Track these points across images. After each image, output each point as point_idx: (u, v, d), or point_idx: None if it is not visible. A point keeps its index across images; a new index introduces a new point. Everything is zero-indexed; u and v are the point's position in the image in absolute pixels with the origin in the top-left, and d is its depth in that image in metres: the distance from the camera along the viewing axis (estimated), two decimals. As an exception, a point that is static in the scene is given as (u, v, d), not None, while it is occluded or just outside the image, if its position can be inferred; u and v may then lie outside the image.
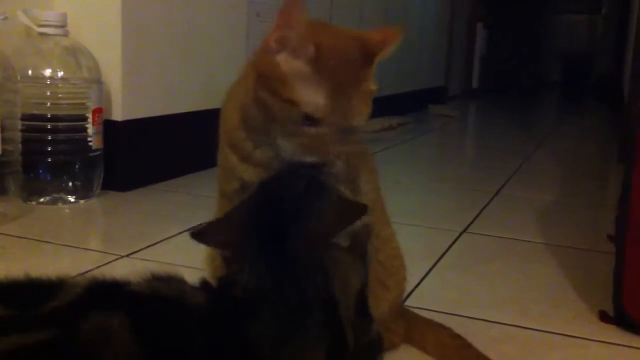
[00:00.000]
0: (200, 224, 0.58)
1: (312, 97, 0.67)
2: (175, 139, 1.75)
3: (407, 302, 0.98)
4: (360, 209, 0.60)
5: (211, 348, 0.49)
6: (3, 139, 1.31)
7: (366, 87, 0.70)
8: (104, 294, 0.52)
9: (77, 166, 1.48)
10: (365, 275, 0.64)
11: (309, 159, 0.68)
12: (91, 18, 1.56)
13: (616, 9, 5.58)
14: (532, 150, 2.63)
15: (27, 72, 1.43)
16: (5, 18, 1.36)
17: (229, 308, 0.52)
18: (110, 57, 1.56)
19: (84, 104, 1.47)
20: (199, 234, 0.57)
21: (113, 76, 1.57)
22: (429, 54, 3.97)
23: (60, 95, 1.45)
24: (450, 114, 3.68)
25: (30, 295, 0.50)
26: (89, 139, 1.48)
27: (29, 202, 1.44)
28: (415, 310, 0.92)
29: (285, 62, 0.68)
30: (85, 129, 1.47)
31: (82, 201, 1.48)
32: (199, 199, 1.59)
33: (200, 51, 1.84)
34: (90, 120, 1.47)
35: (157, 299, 0.52)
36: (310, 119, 0.67)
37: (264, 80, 0.69)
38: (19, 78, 1.39)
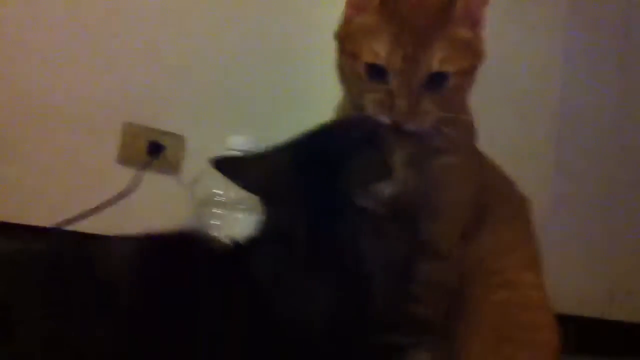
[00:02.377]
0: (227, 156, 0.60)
1: (373, 45, 0.63)
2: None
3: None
4: (385, 172, 0.58)
5: (217, 279, 0.56)
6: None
7: (453, 32, 0.64)
8: None
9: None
10: (413, 245, 0.64)
11: (383, 117, 0.63)
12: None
13: None
14: None
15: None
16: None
17: (243, 247, 0.58)
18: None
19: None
20: (224, 164, 0.59)
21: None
22: None
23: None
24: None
25: None
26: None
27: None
28: None
29: (357, 19, 0.66)
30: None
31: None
32: None
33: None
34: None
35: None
36: (375, 70, 0.63)
37: (339, 44, 0.68)
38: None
